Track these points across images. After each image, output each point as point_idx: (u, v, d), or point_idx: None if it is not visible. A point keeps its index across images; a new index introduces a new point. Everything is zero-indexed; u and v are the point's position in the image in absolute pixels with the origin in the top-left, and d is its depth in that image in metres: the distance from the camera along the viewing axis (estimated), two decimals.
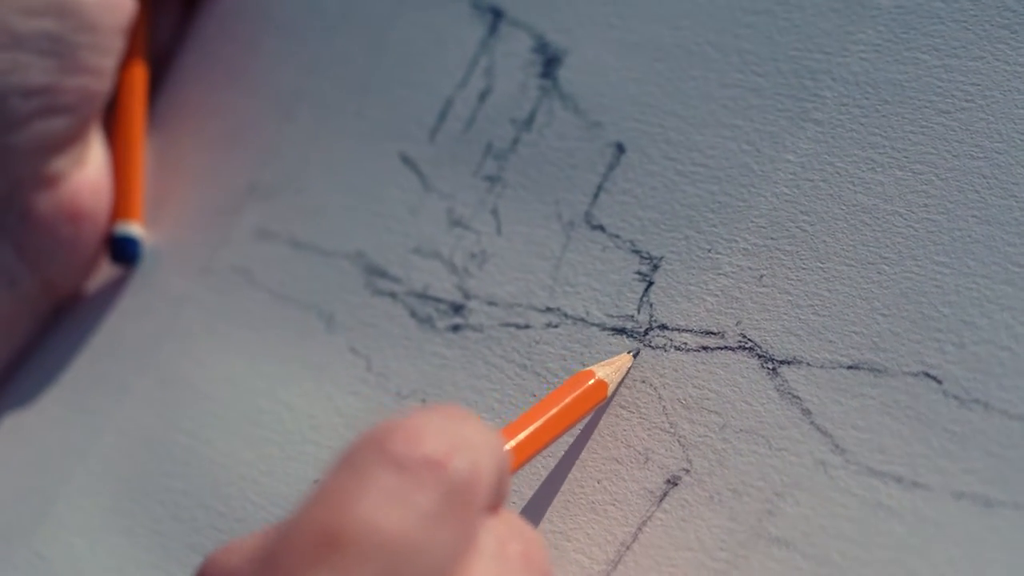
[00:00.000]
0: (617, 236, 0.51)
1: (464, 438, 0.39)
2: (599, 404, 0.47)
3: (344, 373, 0.53)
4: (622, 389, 0.48)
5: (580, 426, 0.48)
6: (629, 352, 0.48)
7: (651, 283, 0.50)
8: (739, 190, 0.49)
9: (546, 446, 0.45)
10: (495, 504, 0.41)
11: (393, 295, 0.54)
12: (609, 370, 0.47)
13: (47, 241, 0.57)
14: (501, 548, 0.40)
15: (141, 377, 0.57)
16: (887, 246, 0.47)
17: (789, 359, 0.46)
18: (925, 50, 0.48)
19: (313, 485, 0.51)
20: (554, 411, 0.45)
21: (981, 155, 0.46)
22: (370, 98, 0.57)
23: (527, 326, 0.51)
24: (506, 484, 0.41)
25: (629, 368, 0.48)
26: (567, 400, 0.46)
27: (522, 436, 0.44)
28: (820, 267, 0.47)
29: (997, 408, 0.43)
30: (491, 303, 0.52)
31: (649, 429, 0.47)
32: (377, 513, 0.37)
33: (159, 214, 0.59)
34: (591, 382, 0.47)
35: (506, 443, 0.43)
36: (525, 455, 0.44)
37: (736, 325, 0.48)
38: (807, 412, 0.46)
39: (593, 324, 0.50)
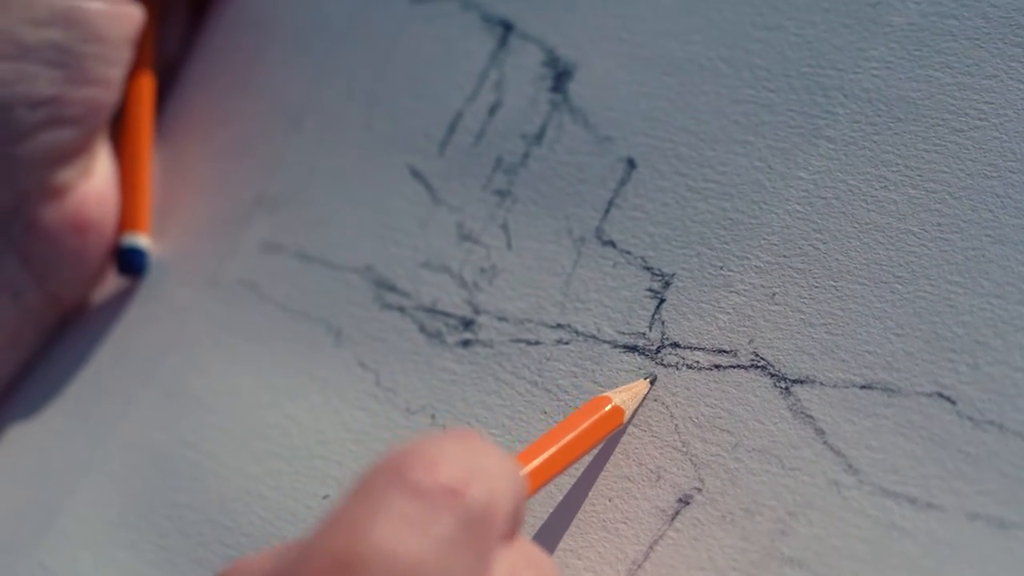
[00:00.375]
0: (628, 252, 0.51)
1: (482, 466, 0.39)
2: (615, 430, 0.47)
3: (352, 388, 0.53)
4: None
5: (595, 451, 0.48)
6: (646, 378, 0.48)
7: (663, 300, 0.49)
8: (751, 207, 0.49)
9: (560, 472, 0.45)
10: (510, 532, 0.41)
11: (402, 309, 0.54)
12: (626, 396, 0.47)
13: (53, 252, 0.57)
14: None
15: (147, 389, 0.57)
16: (900, 265, 0.46)
17: (802, 378, 0.46)
18: (938, 68, 0.48)
19: (324, 503, 0.51)
20: (570, 437, 0.45)
21: (995, 174, 0.46)
22: (378, 110, 0.57)
23: (538, 342, 0.51)
24: (522, 512, 0.41)
25: (646, 395, 0.48)
26: (583, 427, 0.45)
27: (537, 463, 0.44)
28: (833, 286, 0.47)
29: (1012, 429, 0.43)
30: (501, 318, 0.52)
31: (661, 447, 0.47)
32: (393, 539, 0.37)
33: (166, 225, 0.59)
34: (607, 408, 0.47)
35: (522, 471, 0.43)
36: (540, 481, 0.44)
37: (749, 343, 0.47)
38: (820, 432, 0.45)
39: (604, 341, 0.50)
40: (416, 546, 0.37)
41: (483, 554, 0.38)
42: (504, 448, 0.50)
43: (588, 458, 0.48)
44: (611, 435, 0.47)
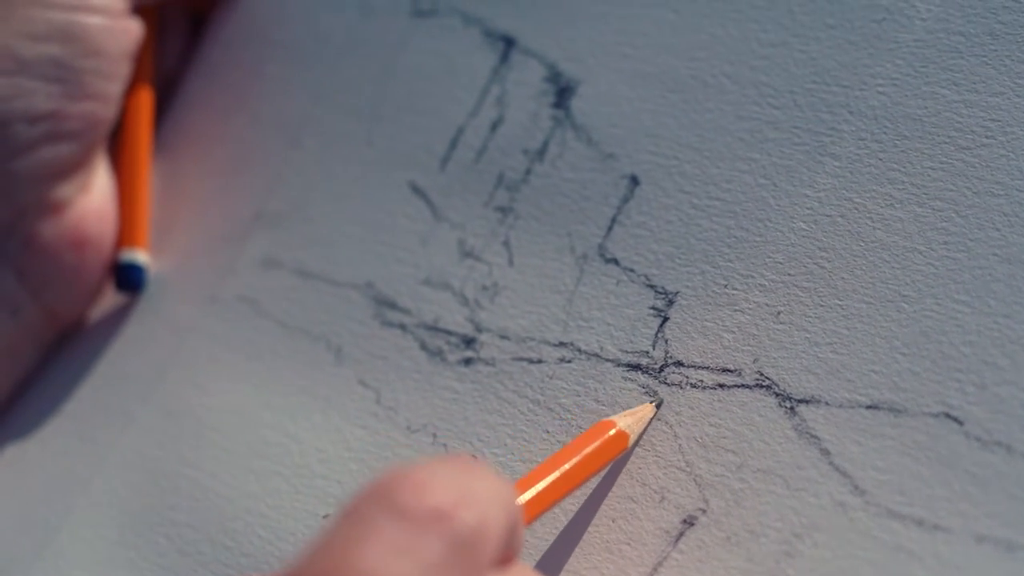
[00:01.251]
0: (631, 270, 0.50)
1: (473, 490, 0.38)
2: (620, 455, 0.47)
3: (353, 406, 0.53)
4: None
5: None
6: (652, 402, 0.48)
7: (666, 319, 0.49)
8: (756, 225, 0.49)
9: (564, 497, 0.45)
10: (506, 558, 0.40)
11: (403, 327, 0.53)
12: (631, 420, 0.47)
13: (51, 268, 0.57)
14: None
15: (145, 407, 0.56)
16: (906, 284, 0.46)
17: (807, 398, 0.46)
18: (944, 85, 0.48)
19: (321, 523, 0.50)
20: (573, 463, 0.44)
21: (1002, 192, 0.46)
22: (379, 126, 0.57)
23: (540, 360, 0.50)
24: (518, 537, 0.41)
25: (652, 419, 0.47)
26: (586, 451, 0.45)
27: (538, 489, 0.43)
28: (838, 304, 0.47)
29: (1019, 451, 0.43)
30: (503, 336, 0.51)
31: (665, 468, 0.47)
32: (382, 564, 0.36)
33: (164, 241, 0.59)
34: (612, 432, 0.46)
35: (518, 495, 0.42)
36: (542, 507, 0.44)
37: (753, 363, 0.47)
38: (826, 452, 0.45)
39: (607, 360, 0.49)
40: (405, 571, 0.36)
41: None
42: (505, 467, 0.49)
43: (592, 479, 0.47)
44: (616, 460, 0.47)
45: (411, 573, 0.36)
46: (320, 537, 0.38)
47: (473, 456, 0.49)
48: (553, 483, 0.44)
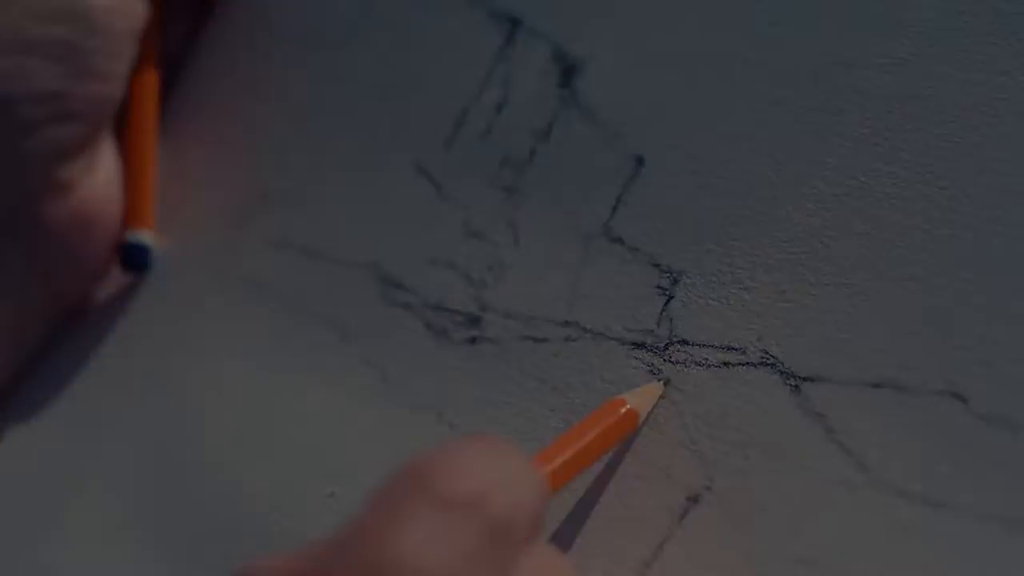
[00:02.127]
0: (636, 249, 0.50)
1: (505, 475, 0.39)
2: (629, 433, 0.47)
3: (358, 385, 0.53)
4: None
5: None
6: (660, 380, 0.48)
7: (671, 297, 0.49)
8: (761, 204, 0.49)
9: (575, 476, 0.45)
10: (532, 537, 0.40)
11: (408, 306, 0.53)
12: (640, 400, 0.47)
13: (57, 248, 0.57)
14: None
15: (151, 387, 0.56)
16: (912, 262, 0.46)
17: (812, 376, 0.46)
18: (951, 64, 0.48)
19: (329, 501, 0.50)
20: (586, 440, 0.45)
21: (1009, 171, 0.46)
22: (384, 106, 0.57)
23: (545, 339, 0.50)
24: (542, 518, 0.41)
25: (660, 397, 0.47)
26: (599, 429, 0.45)
27: (554, 466, 0.43)
28: (843, 283, 0.47)
29: None
30: (508, 316, 0.51)
31: (670, 445, 0.47)
32: (419, 552, 0.37)
33: (170, 222, 0.59)
34: (623, 411, 0.46)
35: (543, 477, 0.43)
36: (556, 486, 0.44)
37: (758, 341, 0.47)
38: (830, 430, 0.45)
39: (612, 338, 0.49)
40: (443, 558, 0.37)
41: (507, 563, 0.38)
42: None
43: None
44: (624, 438, 0.47)
45: (449, 560, 0.37)
46: (355, 520, 0.38)
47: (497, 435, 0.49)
48: (568, 461, 0.44)
